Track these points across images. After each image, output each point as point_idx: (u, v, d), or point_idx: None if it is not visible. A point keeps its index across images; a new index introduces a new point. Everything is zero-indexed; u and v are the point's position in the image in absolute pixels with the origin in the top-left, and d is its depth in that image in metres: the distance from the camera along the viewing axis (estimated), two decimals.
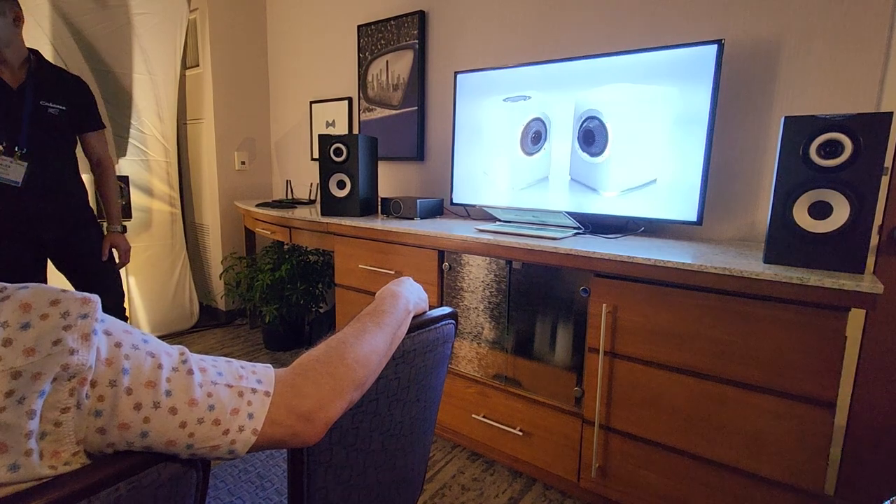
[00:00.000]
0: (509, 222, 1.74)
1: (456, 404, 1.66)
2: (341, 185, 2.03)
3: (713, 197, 1.54)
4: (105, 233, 1.87)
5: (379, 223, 1.82)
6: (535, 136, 1.75)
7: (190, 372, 0.45)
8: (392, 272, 1.76)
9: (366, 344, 0.58)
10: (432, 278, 1.66)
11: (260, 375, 0.49)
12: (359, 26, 2.49)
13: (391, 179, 2.50)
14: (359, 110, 2.57)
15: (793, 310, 1.04)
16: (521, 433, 1.50)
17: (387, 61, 2.40)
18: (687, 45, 1.40)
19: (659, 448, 1.25)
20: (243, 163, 3.02)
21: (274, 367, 0.52)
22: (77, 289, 0.44)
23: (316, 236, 2.07)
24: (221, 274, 2.82)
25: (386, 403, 0.68)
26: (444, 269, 1.65)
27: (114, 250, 1.88)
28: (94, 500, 0.37)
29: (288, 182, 2.78)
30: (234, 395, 0.46)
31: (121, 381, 0.40)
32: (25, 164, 1.61)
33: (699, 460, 1.19)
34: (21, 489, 0.35)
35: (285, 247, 2.69)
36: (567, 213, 1.53)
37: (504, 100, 1.83)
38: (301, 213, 2.20)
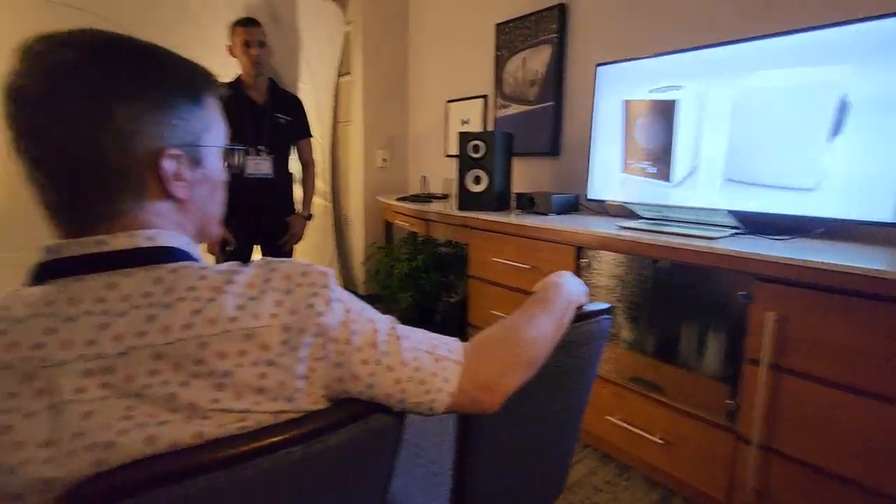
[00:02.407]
0: (653, 219, 1.66)
1: (589, 403, 1.63)
2: (477, 180, 2.11)
3: None
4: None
5: (514, 218, 1.85)
6: (667, 129, 1.63)
7: (398, 337, 0.52)
8: (527, 266, 1.78)
9: (535, 328, 0.62)
10: None
11: (450, 346, 0.56)
12: (497, 25, 2.54)
13: (523, 174, 2.52)
14: (494, 107, 2.63)
15: None
16: (661, 441, 1.43)
17: (524, 58, 2.42)
18: (877, 17, 1.19)
19: (831, 478, 1.10)
20: (385, 160, 3.28)
21: None
22: None
23: (451, 229, 2.18)
24: (364, 261, 3.11)
25: (546, 390, 0.71)
26: (581, 265, 1.63)
27: (291, 224, 2.24)
28: (343, 432, 0.46)
29: (424, 178, 2.96)
30: (433, 360, 0.53)
31: (352, 340, 0.49)
32: (271, 156, 2.07)
33: (882, 497, 1.02)
34: (294, 418, 0.45)
35: (419, 238, 2.87)
36: (728, 210, 1.40)
37: (650, 91, 1.74)
38: (436, 206, 2.33)
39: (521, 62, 2.44)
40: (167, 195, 0.49)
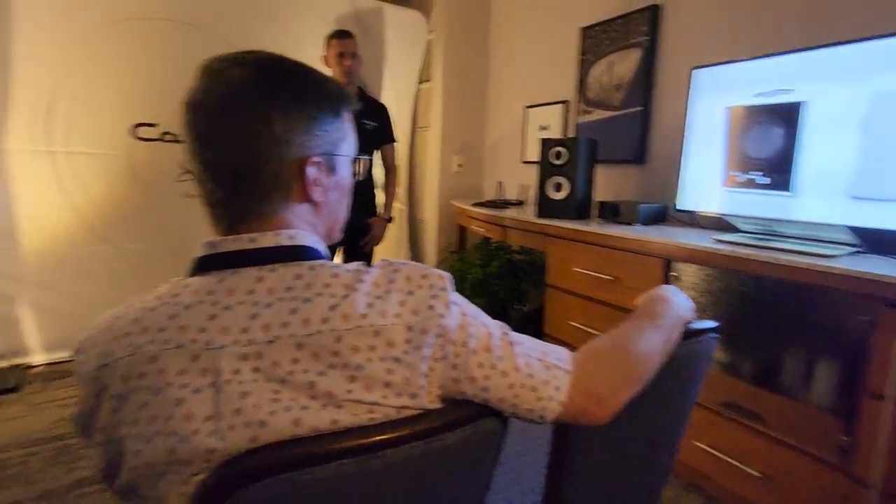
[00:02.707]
0: (754, 233, 1.53)
1: None
2: (558, 187, 2.07)
3: None
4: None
5: (597, 227, 1.80)
6: (786, 138, 1.50)
7: (511, 343, 0.53)
8: (609, 278, 1.72)
9: (644, 341, 0.60)
10: None
11: (559, 354, 0.55)
12: (583, 29, 2.49)
13: (604, 182, 2.44)
14: (576, 113, 2.58)
15: None
16: (758, 475, 1.31)
17: (610, 62, 2.35)
18: None
19: None
20: (460, 165, 3.32)
21: None
22: None
23: (529, 236, 2.15)
24: (437, 265, 3.16)
25: (650, 407, 0.68)
26: (669, 279, 1.55)
27: (373, 226, 2.32)
28: (459, 432, 0.47)
29: (500, 184, 2.96)
30: (544, 367, 0.53)
31: (469, 343, 0.50)
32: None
33: None
34: (414, 415, 0.47)
35: (492, 244, 2.87)
36: (847, 226, 1.27)
37: (755, 95, 1.62)
38: (511, 213, 2.32)
39: (608, 66, 2.37)
40: (307, 198, 0.53)
